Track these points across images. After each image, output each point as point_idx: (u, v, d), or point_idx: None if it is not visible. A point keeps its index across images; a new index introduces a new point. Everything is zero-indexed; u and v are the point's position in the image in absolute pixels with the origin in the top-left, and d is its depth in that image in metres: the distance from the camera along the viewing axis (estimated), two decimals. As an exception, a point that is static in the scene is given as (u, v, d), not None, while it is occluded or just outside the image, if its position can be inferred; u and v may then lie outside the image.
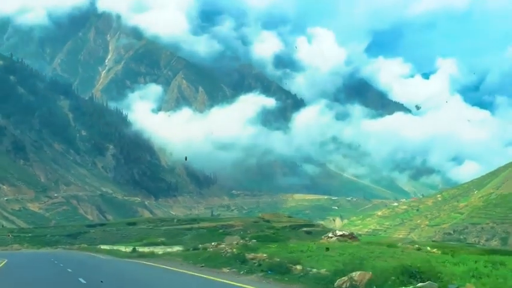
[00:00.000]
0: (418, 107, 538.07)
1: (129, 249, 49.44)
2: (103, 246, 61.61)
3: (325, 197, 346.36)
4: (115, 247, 56.37)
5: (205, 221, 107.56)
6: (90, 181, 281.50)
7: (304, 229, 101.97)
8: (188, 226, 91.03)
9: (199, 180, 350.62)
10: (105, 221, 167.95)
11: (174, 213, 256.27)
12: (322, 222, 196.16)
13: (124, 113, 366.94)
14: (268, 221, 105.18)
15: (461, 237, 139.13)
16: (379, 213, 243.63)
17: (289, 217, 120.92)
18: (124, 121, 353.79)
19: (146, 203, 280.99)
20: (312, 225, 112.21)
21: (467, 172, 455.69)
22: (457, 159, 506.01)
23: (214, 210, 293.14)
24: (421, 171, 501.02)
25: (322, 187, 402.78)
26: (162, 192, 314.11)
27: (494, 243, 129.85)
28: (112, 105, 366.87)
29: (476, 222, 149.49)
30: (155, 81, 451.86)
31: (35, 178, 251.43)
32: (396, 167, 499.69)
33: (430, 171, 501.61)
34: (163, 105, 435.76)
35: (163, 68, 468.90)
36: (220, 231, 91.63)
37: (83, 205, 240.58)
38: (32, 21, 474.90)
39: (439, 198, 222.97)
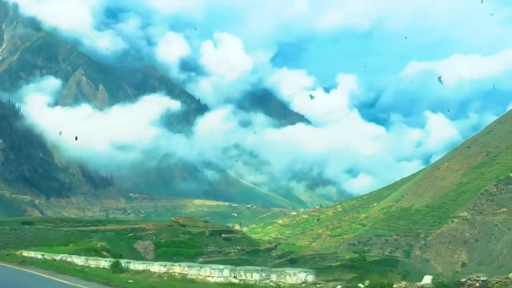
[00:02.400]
0: None
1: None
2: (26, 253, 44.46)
3: (225, 203, 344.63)
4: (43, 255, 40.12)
5: (112, 223, 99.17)
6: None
7: (224, 235, 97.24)
8: (93, 228, 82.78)
9: (95, 181, 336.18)
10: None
11: (66, 214, 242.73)
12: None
13: (17, 105, 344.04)
14: (183, 225, 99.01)
15: (366, 248, 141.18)
16: (280, 221, 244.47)
17: (206, 222, 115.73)
18: (16, 114, 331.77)
19: (36, 202, 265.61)
20: (232, 232, 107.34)
21: (361, 185, 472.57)
22: (352, 172, 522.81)
23: (110, 213, 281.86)
24: (317, 182, 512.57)
25: (221, 193, 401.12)
26: (54, 191, 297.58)
27: (398, 255, 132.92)
28: (4, 96, 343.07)
29: (381, 234, 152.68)
30: (54, 74, 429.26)
31: None
32: (294, 176, 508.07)
33: (326, 182, 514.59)
34: (61, 100, 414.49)
35: (62, 62, 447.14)
36: (131, 234, 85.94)
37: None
38: None
39: (339, 209, 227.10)
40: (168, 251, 75.20)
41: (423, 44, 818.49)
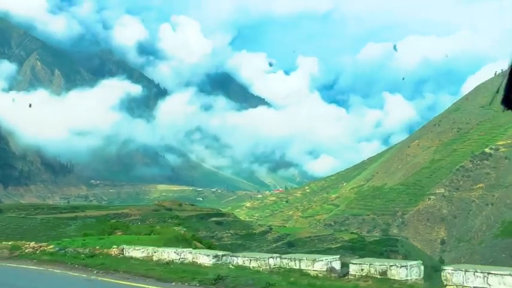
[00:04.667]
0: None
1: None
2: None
3: (190, 188, 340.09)
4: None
5: (91, 209, 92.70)
6: None
7: (214, 219, 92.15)
8: (71, 215, 76.30)
9: (54, 169, 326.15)
10: None
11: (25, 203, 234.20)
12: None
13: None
14: (170, 209, 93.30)
15: (343, 228, 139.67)
16: (248, 204, 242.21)
17: (193, 205, 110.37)
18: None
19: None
20: (223, 215, 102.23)
21: (322, 166, 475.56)
22: (314, 154, 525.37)
23: (71, 200, 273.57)
24: (279, 164, 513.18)
25: (184, 178, 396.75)
26: (11, 180, 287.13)
27: (376, 235, 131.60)
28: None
29: (357, 214, 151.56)
30: (7, 59, 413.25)
31: None
32: (256, 159, 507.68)
33: (288, 164, 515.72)
34: (16, 86, 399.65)
35: (15, 47, 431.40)
36: (113, 221, 78.26)
37: None
38: None
39: (308, 190, 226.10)
40: None
41: (380, 26, 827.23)
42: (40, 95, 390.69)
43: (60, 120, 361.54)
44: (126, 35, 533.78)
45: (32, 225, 62.52)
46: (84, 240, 29.47)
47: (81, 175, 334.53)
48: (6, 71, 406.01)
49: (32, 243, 28.25)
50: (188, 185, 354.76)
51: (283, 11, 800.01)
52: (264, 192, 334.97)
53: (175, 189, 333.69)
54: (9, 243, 30.14)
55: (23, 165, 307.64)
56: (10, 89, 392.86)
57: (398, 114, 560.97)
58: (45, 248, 26.94)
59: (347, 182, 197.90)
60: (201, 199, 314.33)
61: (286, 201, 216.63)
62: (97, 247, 25.77)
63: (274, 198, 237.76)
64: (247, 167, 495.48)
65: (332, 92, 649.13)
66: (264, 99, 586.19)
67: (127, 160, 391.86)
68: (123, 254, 24.23)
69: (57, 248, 26.19)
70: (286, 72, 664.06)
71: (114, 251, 24.87)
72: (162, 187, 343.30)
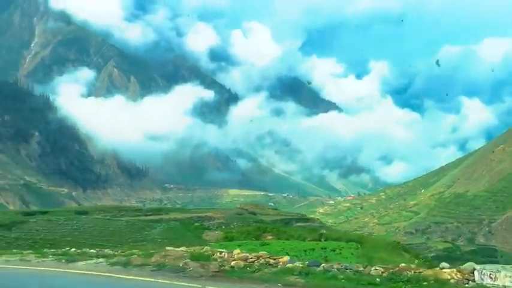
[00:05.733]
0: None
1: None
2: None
3: (261, 192, 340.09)
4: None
5: (174, 211, 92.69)
6: (12, 169, 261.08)
7: (298, 224, 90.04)
8: (155, 217, 76.29)
9: (130, 172, 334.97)
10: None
11: (109, 205, 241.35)
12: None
13: (51, 98, 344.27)
14: (253, 213, 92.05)
15: (425, 236, 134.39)
16: (321, 210, 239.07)
17: (275, 209, 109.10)
18: (50, 106, 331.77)
19: (73, 194, 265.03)
20: (307, 219, 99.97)
21: (395, 172, 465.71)
22: (386, 159, 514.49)
23: (147, 204, 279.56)
24: (351, 169, 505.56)
25: (254, 182, 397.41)
26: (90, 183, 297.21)
27: (461, 243, 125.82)
28: (38, 89, 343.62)
29: (440, 222, 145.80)
30: (87, 66, 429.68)
31: None
32: (327, 165, 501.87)
33: (360, 170, 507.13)
34: (94, 91, 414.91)
35: (94, 55, 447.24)
36: (197, 224, 77.88)
37: (4, 194, 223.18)
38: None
39: (383, 197, 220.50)
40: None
41: (457, 28, 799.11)
42: (117, 101, 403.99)
43: (136, 125, 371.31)
44: (199, 41, 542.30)
45: (117, 227, 62.87)
46: (240, 245, 26.61)
47: (156, 179, 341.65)
48: (86, 77, 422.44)
49: (224, 252, 21.45)
50: (259, 190, 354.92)
51: (354, 14, 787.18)
52: (336, 198, 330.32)
53: (246, 193, 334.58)
54: (181, 249, 24.16)
55: (100, 169, 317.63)
56: (89, 94, 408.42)
57: (476, 118, 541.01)
58: (254, 262, 19.62)
59: (425, 189, 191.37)
60: (272, 204, 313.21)
61: (361, 208, 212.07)
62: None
63: (348, 205, 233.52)
64: (318, 173, 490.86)
65: (405, 96, 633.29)
66: (335, 103, 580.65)
67: (199, 164, 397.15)
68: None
69: (306, 263, 18.99)
70: (358, 77, 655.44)
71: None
72: (233, 192, 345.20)
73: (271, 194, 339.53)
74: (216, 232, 69.49)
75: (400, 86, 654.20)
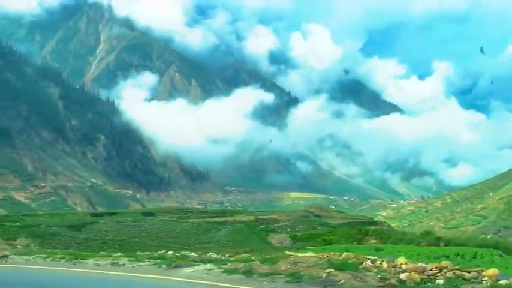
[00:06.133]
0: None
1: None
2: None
3: (322, 196, 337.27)
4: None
5: (239, 213, 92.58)
6: (79, 172, 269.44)
7: (367, 227, 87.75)
8: (221, 219, 76.55)
9: (192, 175, 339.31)
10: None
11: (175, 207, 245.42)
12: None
13: (116, 102, 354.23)
14: (319, 216, 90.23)
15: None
16: (384, 213, 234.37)
17: (340, 212, 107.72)
18: (115, 111, 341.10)
19: (138, 196, 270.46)
20: (376, 223, 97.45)
21: (460, 174, 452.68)
22: (451, 162, 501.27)
23: (208, 206, 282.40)
24: (413, 172, 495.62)
25: (315, 186, 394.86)
26: (153, 186, 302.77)
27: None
28: (103, 94, 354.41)
29: (510, 226, 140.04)
30: (150, 71, 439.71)
31: (21, 166, 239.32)
32: (389, 167, 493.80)
33: (423, 173, 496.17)
34: (157, 95, 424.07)
35: (156, 60, 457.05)
36: (262, 226, 77.56)
37: (72, 196, 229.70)
38: (21, 8, 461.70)
39: (448, 200, 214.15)
40: (307, 246, 67.34)
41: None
42: (179, 105, 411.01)
43: (197, 129, 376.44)
44: (258, 44, 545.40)
45: (183, 228, 63.39)
46: (347, 250, 22.69)
47: (217, 182, 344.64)
48: (149, 82, 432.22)
49: (378, 260, 17.00)
50: (319, 193, 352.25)
51: (416, 15, 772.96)
52: (399, 202, 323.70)
53: (307, 196, 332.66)
54: (307, 254, 20.55)
55: (163, 171, 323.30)
56: (152, 98, 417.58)
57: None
58: (436, 275, 14.67)
59: (494, 192, 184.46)
60: (333, 207, 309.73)
61: (426, 211, 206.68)
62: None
63: (411, 208, 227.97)
64: (379, 176, 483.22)
65: (470, 96, 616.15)
66: (396, 105, 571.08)
67: (259, 167, 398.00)
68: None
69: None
70: (420, 77, 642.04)
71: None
72: (294, 195, 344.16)
73: (332, 197, 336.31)
74: (282, 235, 69.06)
75: (464, 86, 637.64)
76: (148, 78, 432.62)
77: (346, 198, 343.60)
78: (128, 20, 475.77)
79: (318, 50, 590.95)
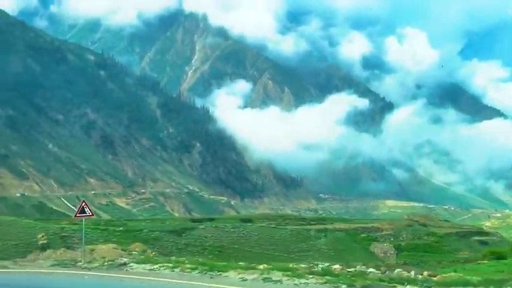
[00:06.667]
0: None
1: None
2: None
3: (420, 204, 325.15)
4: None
5: (339, 221, 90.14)
6: (176, 178, 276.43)
7: (477, 238, 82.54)
8: (320, 227, 74.28)
9: (285, 182, 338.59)
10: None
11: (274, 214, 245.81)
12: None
13: (210, 110, 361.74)
14: (424, 225, 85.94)
15: None
16: (487, 223, 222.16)
17: (446, 221, 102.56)
18: (210, 118, 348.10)
19: (232, 202, 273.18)
20: (487, 234, 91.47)
21: None
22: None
23: (302, 213, 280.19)
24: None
25: (411, 194, 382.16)
26: (247, 192, 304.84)
27: None
28: (198, 102, 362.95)
29: None
30: (243, 79, 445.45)
31: (122, 173, 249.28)
32: (491, 175, 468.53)
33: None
34: (250, 103, 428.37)
35: (249, 67, 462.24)
36: (363, 235, 74.82)
37: (170, 202, 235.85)
38: (122, 21, 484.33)
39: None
40: (412, 256, 63.53)
41: None
42: (272, 112, 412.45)
43: (290, 135, 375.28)
44: (351, 49, 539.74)
45: (282, 236, 61.81)
46: None
47: (310, 189, 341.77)
48: (242, 89, 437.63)
49: None
50: (417, 201, 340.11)
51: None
52: (504, 211, 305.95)
53: (404, 205, 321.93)
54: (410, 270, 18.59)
55: (257, 178, 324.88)
56: (245, 106, 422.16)
57: None
58: None
59: None
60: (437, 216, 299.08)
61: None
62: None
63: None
64: (481, 184, 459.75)
65: None
66: (499, 110, 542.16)
67: (353, 175, 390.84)
68: None
69: None
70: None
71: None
72: (390, 203, 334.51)
73: (430, 206, 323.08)
74: (385, 244, 65.81)
75: None
76: (242, 86, 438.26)
77: (446, 207, 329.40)
78: (222, 30, 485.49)
79: (414, 54, 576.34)
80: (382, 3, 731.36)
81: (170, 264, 25.59)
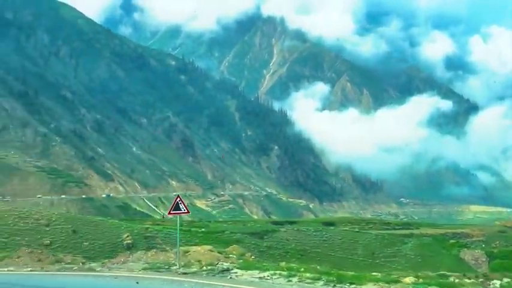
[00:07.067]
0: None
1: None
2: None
3: (508, 209, 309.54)
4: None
5: (425, 226, 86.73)
6: (255, 181, 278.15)
7: None
8: (406, 232, 71.73)
9: (364, 186, 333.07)
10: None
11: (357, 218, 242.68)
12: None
13: (288, 113, 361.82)
14: None
15: None
16: None
17: None
18: (288, 121, 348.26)
19: (311, 206, 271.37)
20: None
21: None
22: None
23: (383, 218, 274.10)
24: None
25: (499, 198, 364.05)
26: (326, 196, 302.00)
27: None
28: (276, 105, 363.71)
29: None
30: (321, 81, 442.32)
31: (202, 175, 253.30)
32: None
33: None
34: (328, 105, 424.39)
35: (327, 70, 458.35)
36: (452, 241, 70.96)
37: (249, 205, 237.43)
38: (201, 27, 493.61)
39: None
40: (506, 264, 59.77)
41: None
42: (350, 114, 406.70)
43: (369, 138, 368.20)
44: (433, 50, 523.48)
45: (366, 240, 60.06)
46: None
47: (391, 193, 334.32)
48: (320, 92, 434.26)
49: None
50: (505, 207, 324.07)
51: None
52: None
53: (490, 210, 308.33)
54: None
55: (335, 181, 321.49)
56: (323, 108, 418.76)
57: None
58: None
59: None
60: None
61: None
62: None
63: None
64: None
65: None
66: None
67: (436, 178, 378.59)
68: None
69: None
70: None
71: None
72: (475, 208, 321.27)
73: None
74: (476, 251, 62.33)
75: None
76: (320, 88, 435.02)
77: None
78: (299, 32, 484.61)
79: (500, 54, 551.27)
80: (466, 2, 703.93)
81: (284, 272, 21.60)
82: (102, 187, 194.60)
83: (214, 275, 22.18)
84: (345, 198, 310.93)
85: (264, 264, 26.33)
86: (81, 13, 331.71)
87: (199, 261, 25.60)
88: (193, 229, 60.73)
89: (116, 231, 51.26)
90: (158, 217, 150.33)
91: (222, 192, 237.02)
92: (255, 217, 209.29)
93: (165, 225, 71.02)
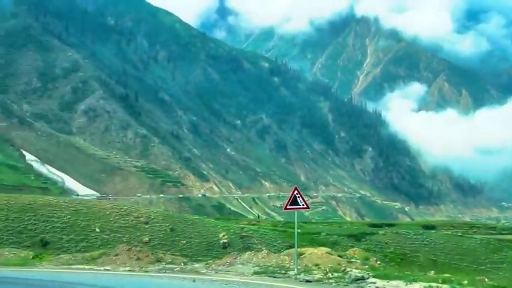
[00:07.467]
0: None
1: None
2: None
3: None
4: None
5: None
6: (348, 183, 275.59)
7: None
8: None
9: (463, 189, 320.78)
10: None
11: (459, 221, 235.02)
12: None
13: (382, 114, 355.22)
14: None
15: None
16: None
17: None
18: (382, 122, 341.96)
19: (406, 209, 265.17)
20: None
21: None
22: None
23: (483, 222, 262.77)
24: None
25: None
26: (422, 199, 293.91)
27: None
28: (370, 106, 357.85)
29: None
30: (417, 81, 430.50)
31: (295, 177, 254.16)
32: None
33: None
34: (424, 106, 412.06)
35: (423, 70, 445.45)
36: None
37: (342, 206, 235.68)
38: (294, 28, 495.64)
39: None
40: None
41: None
42: (448, 115, 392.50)
43: (468, 140, 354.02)
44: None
45: (471, 245, 58.17)
46: None
47: (491, 196, 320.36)
48: (416, 92, 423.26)
49: None
50: None
51: None
52: None
53: None
54: None
55: (432, 184, 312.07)
56: (419, 109, 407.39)
57: None
58: None
59: None
60: None
61: None
62: None
63: None
64: None
65: None
66: None
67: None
68: None
69: None
70: None
71: None
72: None
73: None
74: None
75: None
76: (416, 89, 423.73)
77: None
78: (394, 32, 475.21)
79: None
80: None
81: (446, 286, 16.30)
82: (198, 187, 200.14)
83: (347, 285, 17.81)
84: (442, 201, 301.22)
85: (407, 273, 21.28)
86: (178, 18, 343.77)
87: (317, 265, 22.52)
88: (288, 230, 61.42)
89: (213, 230, 52.69)
90: (252, 217, 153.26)
91: (315, 194, 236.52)
92: (349, 219, 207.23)
93: (261, 225, 72.44)
